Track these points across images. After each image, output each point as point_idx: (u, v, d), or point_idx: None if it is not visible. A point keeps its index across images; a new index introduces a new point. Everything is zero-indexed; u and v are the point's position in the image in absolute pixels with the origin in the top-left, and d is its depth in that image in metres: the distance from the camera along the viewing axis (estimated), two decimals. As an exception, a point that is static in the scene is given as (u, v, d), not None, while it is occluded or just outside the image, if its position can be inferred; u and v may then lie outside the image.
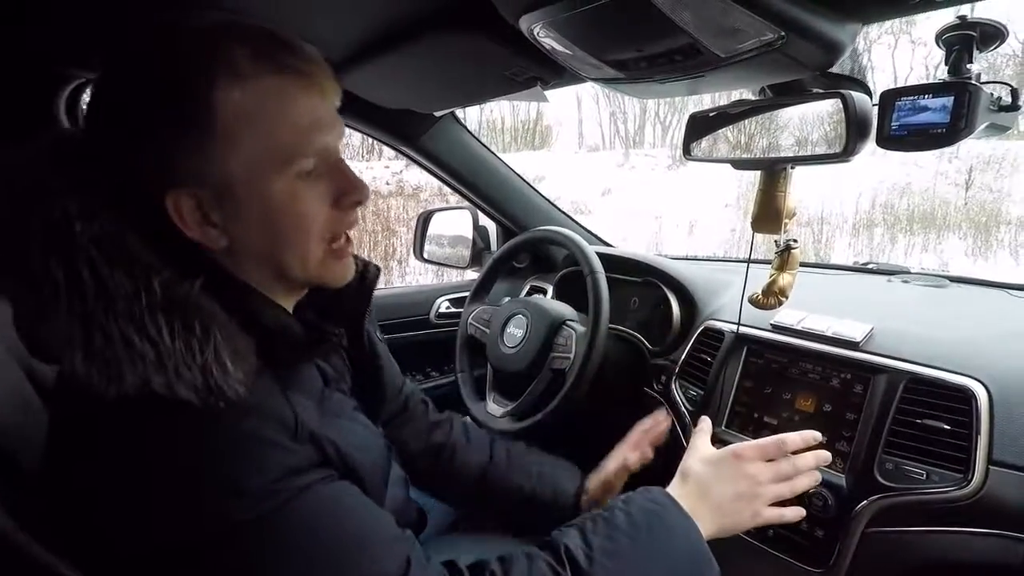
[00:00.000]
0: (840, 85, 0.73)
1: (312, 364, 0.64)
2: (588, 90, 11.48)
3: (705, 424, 0.80)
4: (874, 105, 0.70)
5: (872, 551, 0.82)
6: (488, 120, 11.72)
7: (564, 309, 1.19)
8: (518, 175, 1.60)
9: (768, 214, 0.86)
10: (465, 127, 1.46)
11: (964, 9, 0.61)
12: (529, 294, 1.61)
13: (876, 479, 0.82)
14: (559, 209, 1.63)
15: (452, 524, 0.96)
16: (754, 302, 0.90)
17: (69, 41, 0.92)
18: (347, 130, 1.44)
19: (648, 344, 1.26)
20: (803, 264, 1.57)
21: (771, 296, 0.88)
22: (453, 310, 1.60)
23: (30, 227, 0.49)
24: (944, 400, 0.81)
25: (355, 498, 0.58)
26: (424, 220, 1.80)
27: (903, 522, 0.80)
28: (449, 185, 1.56)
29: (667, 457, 1.08)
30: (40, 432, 0.53)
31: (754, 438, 0.90)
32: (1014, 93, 0.64)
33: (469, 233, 1.74)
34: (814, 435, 0.75)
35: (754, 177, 0.88)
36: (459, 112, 1.44)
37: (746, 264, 0.96)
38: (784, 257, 0.86)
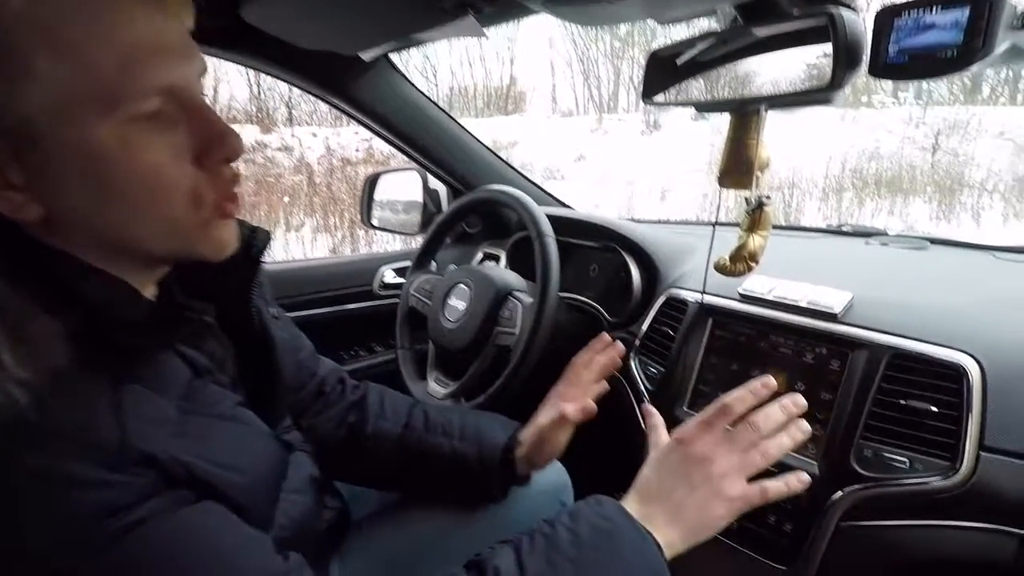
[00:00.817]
0: (825, 4, 0.59)
1: (171, 351, 0.50)
2: (562, 54, 11.17)
3: (655, 421, 0.66)
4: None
5: (845, 547, 0.72)
6: (460, 87, 11.38)
7: (511, 278, 1.06)
8: (468, 132, 1.44)
9: (737, 166, 0.73)
10: (406, 77, 1.29)
11: None
12: (482, 262, 1.47)
13: (852, 467, 0.71)
14: (513, 168, 1.48)
15: (378, 513, 0.84)
16: (721, 268, 0.78)
17: None
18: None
19: (607, 315, 1.13)
20: (774, 227, 1.46)
21: (740, 261, 0.75)
22: (398, 280, 1.45)
23: None
24: (931, 378, 0.70)
25: (214, 525, 0.45)
26: (371, 183, 1.63)
27: (881, 515, 0.70)
28: (391, 143, 1.39)
29: (627, 430, 0.97)
30: None
31: None
32: (1040, 7, 0.51)
33: (420, 197, 1.59)
34: (764, 381, 0.58)
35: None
36: (399, 60, 1.27)
37: (712, 227, 0.83)
38: (755, 216, 0.73)
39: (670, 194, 6.56)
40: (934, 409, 0.69)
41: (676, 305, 0.97)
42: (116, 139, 0.41)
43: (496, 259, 1.43)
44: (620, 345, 0.79)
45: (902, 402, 0.71)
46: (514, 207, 1.03)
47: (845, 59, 0.56)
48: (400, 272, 1.47)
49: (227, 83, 8.37)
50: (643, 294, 1.07)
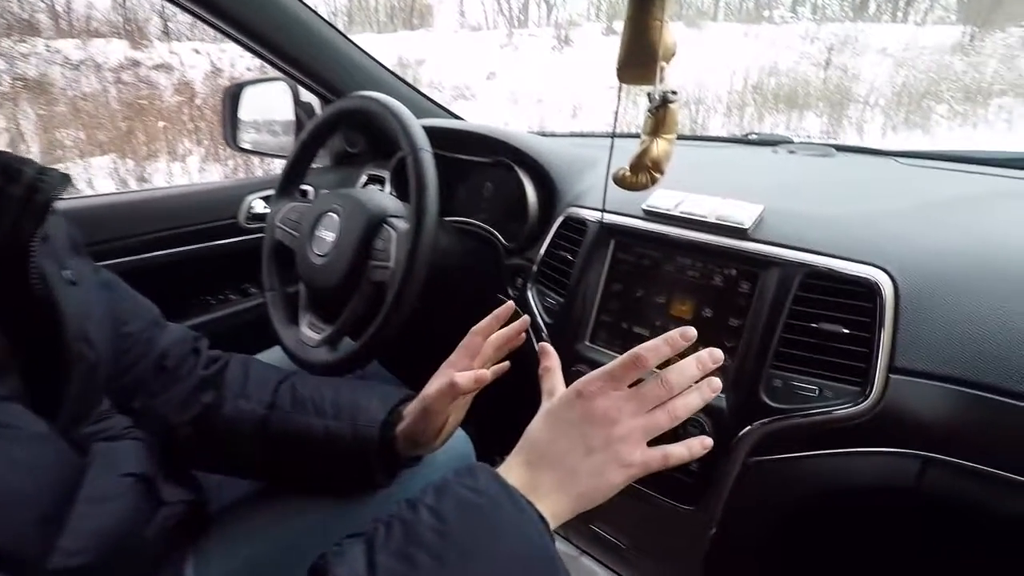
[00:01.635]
0: None
1: None
2: (467, -39, 10.31)
3: (550, 363, 0.55)
4: None
5: (753, 482, 0.66)
6: (360, -3, 10.32)
7: (387, 202, 0.89)
8: (343, 35, 1.20)
9: (639, 54, 0.58)
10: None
11: None
12: (365, 186, 1.28)
13: (761, 400, 0.64)
14: (395, 75, 1.26)
15: (243, 504, 0.70)
16: (621, 180, 0.64)
17: None
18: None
19: (503, 240, 1.00)
20: (680, 137, 1.35)
21: (642, 171, 0.62)
22: (268, 210, 1.24)
23: None
24: (844, 297, 0.62)
25: None
26: (232, 97, 1.36)
27: (789, 448, 0.64)
28: (253, 51, 1.13)
29: (532, 377, 0.87)
30: None
31: (622, 354, 0.70)
32: None
33: (291, 112, 1.34)
34: (683, 332, 0.47)
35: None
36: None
37: (611, 138, 0.69)
38: (659, 115, 0.60)
39: (582, 112, 6.38)
40: (845, 331, 0.62)
41: (575, 226, 0.84)
42: None
43: (381, 182, 1.24)
44: (526, 318, 0.65)
45: (813, 325, 0.63)
46: (382, 116, 0.84)
47: None
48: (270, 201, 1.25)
49: (82, -12, 7.12)
50: (540, 215, 0.93)
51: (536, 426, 0.48)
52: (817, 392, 0.62)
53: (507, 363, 0.66)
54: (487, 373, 0.61)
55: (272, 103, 1.38)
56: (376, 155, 1.32)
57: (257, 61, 1.21)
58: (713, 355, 0.48)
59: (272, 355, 1.06)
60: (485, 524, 0.42)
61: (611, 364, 0.47)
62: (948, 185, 0.81)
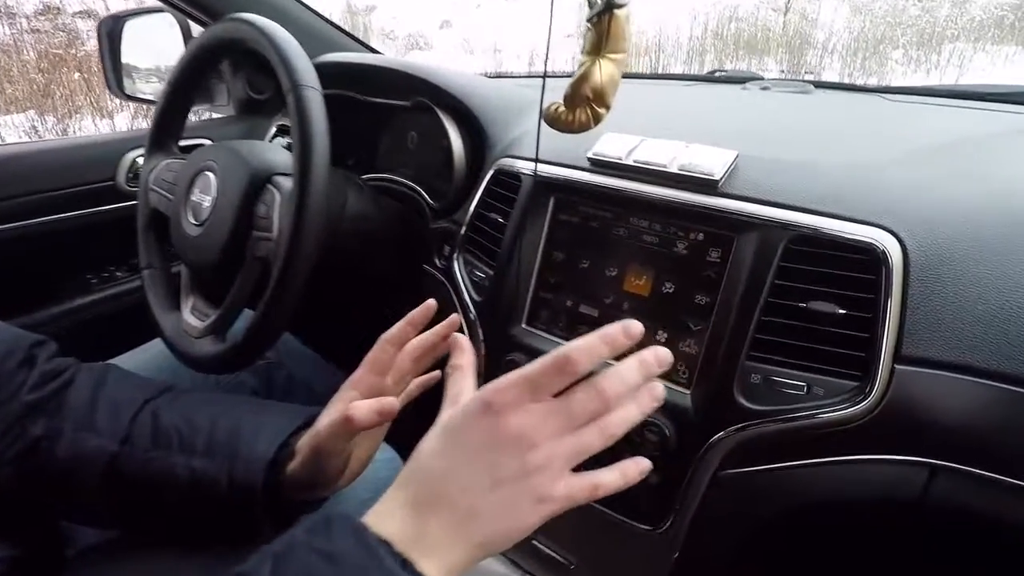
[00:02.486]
0: None
1: None
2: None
3: (461, 359, 0.39)
4: None
5: (722, 498, 0.52)
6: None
7: (275, 155, 0.70)
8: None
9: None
10: None
11: None
12: (274, 139, 1.07)
13: (736, 400, 0.50)
14: (300, 1, 1.03)
15: (93, 555, 0.53)
16: (554, 118, 0.48)
17: None
18: None
19: (429, 200, 0.82)
20: (635, 75, 1.18)
21: (580, 105, 0.45)
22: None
23: None
24: (840, 268, 0.48)
25: None
26: (110, 35, 1.11)
27: (769, 457, 0.50)
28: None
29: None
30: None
31: (566, 339, 0.55)
32: None
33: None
34: (626, 328, 0.34)
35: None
36: None
37: (543, 77, 0.52)
38: (602, 26, 0.42)
39: (540, 60, 6.07)
40: (840, 311, 0.47)
41: (507, 181, 0.67)
42: None
43: (287, 134, 1.04)
44: (456, 317, 0.48)
45: (801, 305, 0.48)
46: (256, 41, 0.64)
47: None
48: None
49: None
50: (468, 168, 0.75)
51: (429, 447, 0.34)
52: (805, 389, 0.48)
53: (436, 373, 0.49)
54: (394, 404, 0.44)
55: (163, 43, 1.14)
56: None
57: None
58: (659, 356, 0.35)
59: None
60: None
61: (530, 367, 0.33)
62: (953, 124, 0.67)
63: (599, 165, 0.60)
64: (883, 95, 0.83)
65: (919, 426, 0.46)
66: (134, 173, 1.00)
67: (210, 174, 0.70)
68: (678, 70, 5.79)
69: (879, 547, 0.53)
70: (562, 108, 0.47)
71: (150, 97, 1.16)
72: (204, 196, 0.70)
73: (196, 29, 1.07)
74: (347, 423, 0.43)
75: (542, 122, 0.49)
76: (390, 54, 1.20)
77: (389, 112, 0.89)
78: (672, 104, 0.84)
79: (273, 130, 1.07)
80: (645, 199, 0.57)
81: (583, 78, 0.43)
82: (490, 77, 1.12)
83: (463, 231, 0.72)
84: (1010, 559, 0.49)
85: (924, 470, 0.47)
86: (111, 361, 0.68)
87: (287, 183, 0.64)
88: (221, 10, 0.96)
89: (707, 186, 0.53)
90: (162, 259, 0.80)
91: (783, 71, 5.67)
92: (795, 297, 0.49)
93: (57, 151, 0.98)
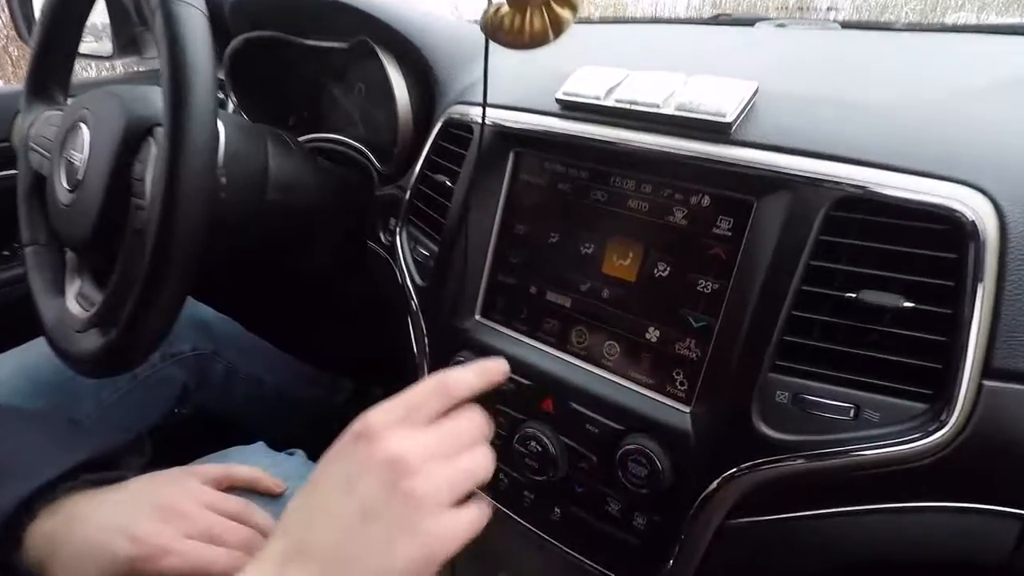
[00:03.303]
0: None
1: None
2: None
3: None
4: None
5: (733, 553, 0.38)
6: None
7: (160, 100, 0.54)
8: None
9: None
10: None
11: None
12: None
13: (755, 427, 0.35)
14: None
15: None
16: (495, 27, 0.32)
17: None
18: None
19: (377, 163, 0.67)
20: (623, 20, 1.01)
21: (532, 4, 0.30)
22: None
23: None
24: (907, 244, 0.33)
25: None
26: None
27: (798, 502, 0.36)
28: None
29: (408, 365, 0.56)
30: None
31: (530, 335, 0.41)
32: None
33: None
34: (499, 365, 0.33)
35: None
36: None
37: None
38: None
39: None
40: (906, 305, 0.33)
41: (458, 134, 0.52)
42: None
43: (220, 86, 0.87)
44: None
45: (849, 295, 0.34)
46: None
47: None
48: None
49: None
50: (416, 122, 0.60)
51: (303, 490, 0.30)
52: (852, 413, 0.34)
53: None
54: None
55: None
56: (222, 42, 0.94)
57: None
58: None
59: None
60: None
61: (408, 392, 0.31)
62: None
63: (571, 109, 0.44)
64: (924, 32, 0.67)
65: (1013, 465, 0.32)
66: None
67: (83, 126, 0.54)
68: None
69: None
70: (506, 10, 0.31)
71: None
72: (76, 154, 0.54)
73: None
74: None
75: (490, 44, 0.34)
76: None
77: (334, 61, 0.73)
78: (669, 44, 0.68)
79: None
80: (632, 152, 0.41)
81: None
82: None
83: (407, 198, 0.57)
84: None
85: (1016, 524, 0.33)
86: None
87: (167, 135, 0.49)
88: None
89: (716, 131, 0.38)
90: (49, 234, 0.64)
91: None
92: (840, 284, 0.34)
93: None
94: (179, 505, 0.41)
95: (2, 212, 0.84)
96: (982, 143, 0.34)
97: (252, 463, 0.50)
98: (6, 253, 0.87)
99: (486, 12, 0.32)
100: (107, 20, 0.91)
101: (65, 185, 0.55)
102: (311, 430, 0.64)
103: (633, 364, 0.41)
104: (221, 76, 0.85)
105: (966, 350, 0.32)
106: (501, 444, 0.46)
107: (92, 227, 0.52)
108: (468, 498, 0.29)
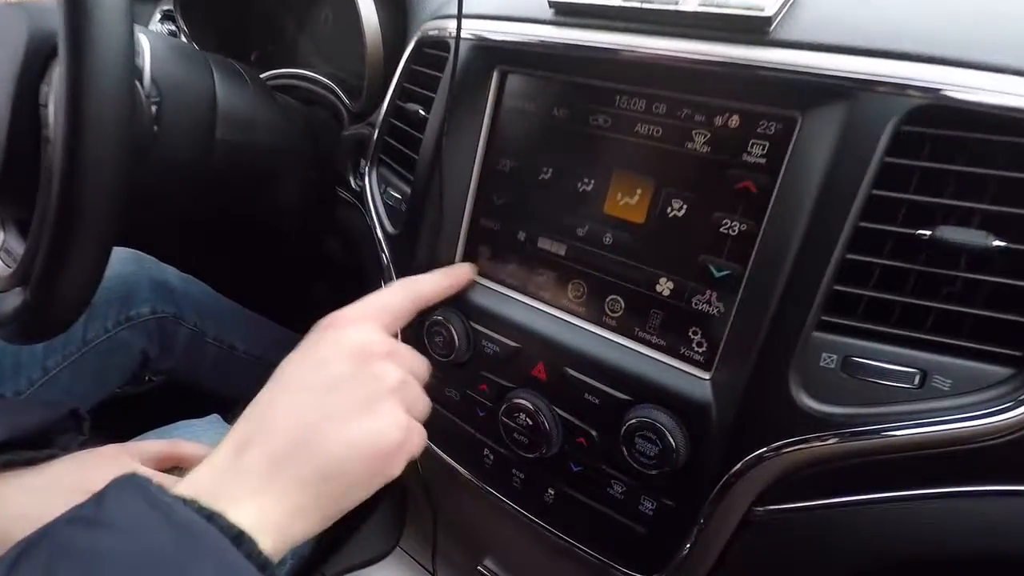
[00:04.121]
0: None
1: None
2: None
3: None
4: None
5: (762, 546, 0.32)
6: None
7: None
8: None
9: None
10: None
11: None
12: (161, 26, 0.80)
13: (792, 397, 0.28)
14: None
15: None
16: None
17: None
18: None
19: (345, 99, 0.58)
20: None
21: None
22: None
23: None
24: (995, 164, 0.25)
25: None
26: None
27: (842, 487, 0.29)
28: None
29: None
30: None
31: (519, 289, 0.34)
32: None
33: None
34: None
35: None
36: None
37: None
38: None
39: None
40: (996, 244, 0.25)
41: (433, 54, 0.43)
42: None
43: (172, 19, 0.77)
44: None
45: (922, 234, 0.26)
46: None
47: None
48: None
49: None
50: (385, 43, 0.51)
51: (273, 376, 0.28)
52: (918, 380, 0.27)
53: None
54: None
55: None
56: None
57: None
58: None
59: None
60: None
61: (377, 292, 0.31)
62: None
63: (568, 13, 0.36)
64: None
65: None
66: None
67: (-13, 48, 0.45)
68: None
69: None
70: None
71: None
72: (-20, 82, 0.45)
73: None
74: None
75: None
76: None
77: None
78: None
79: (158, 16, 0.80)
80: (642, 63, 0.33)
81: None
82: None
83: (376, 135, 0.48)
84: None
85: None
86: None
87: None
88: None
89: (751, 30, 0.30)
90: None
91: None
92: (909, 220, 0.27)
93: None
94: None
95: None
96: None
97: (202, 438, 0.44)
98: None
99: None
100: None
101: (-29, 118, 0.46)
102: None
103: (641, 323, 0.34)
104: (168, 5, 0.75)
105: (1069, 301, 0.25)
106: (485, 416, 0.39)
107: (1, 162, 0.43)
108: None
